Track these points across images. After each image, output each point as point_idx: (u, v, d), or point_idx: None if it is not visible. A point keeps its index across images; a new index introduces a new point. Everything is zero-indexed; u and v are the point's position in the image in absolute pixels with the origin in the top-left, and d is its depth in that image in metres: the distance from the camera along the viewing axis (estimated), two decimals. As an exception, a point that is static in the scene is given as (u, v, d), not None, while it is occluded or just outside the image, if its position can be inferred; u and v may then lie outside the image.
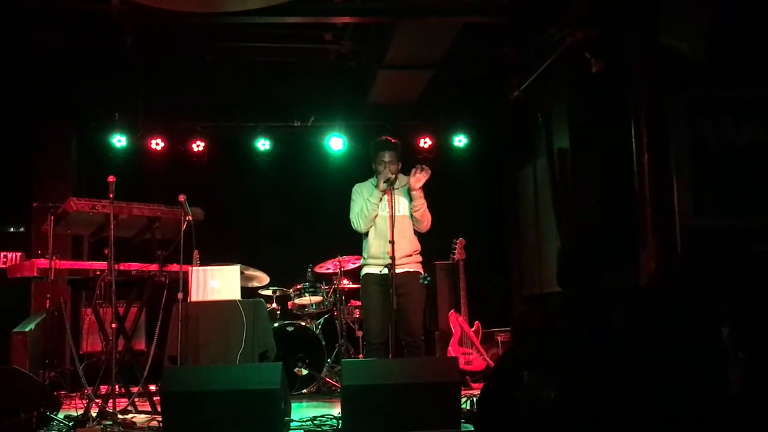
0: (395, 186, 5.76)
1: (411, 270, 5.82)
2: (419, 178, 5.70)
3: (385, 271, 5.62)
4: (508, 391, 2.50)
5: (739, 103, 6.58)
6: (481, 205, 9.52)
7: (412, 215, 5.81)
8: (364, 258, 5.99)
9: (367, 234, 5.91)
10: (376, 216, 5.81)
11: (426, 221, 5.85)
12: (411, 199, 5.77)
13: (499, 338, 7.84)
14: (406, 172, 5.85)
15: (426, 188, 5.84)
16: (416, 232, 5.90)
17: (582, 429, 2.38)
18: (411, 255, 5.84)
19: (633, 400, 2.40)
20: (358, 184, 6.03)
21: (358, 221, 5.85)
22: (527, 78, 7.84)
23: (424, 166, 5.75)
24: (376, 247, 5.84)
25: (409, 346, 5.76)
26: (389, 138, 6.04)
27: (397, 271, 5.67)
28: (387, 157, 5.84)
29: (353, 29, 8.02)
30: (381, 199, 5.76)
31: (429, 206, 5.87)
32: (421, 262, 5.94)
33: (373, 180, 5.96)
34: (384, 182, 5.72)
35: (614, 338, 2.51)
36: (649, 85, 6.12)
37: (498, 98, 8.84)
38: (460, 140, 9.52)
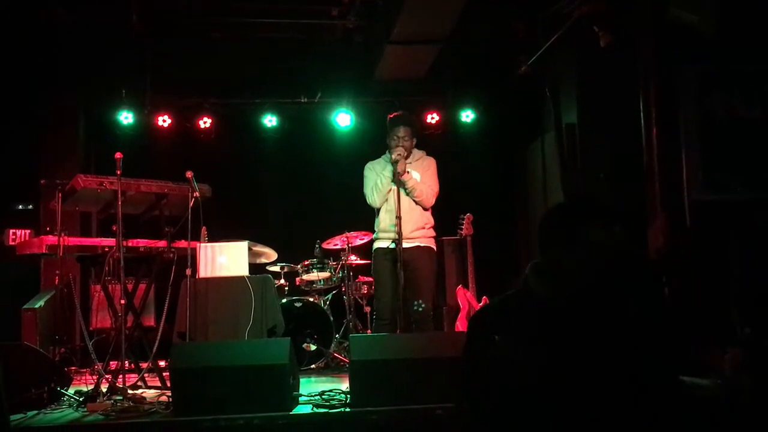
0: (407, 161, 5.78)
1: (422, 245, 5.84)
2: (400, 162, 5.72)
3: (393, 245, 5.64)
4: (483, 351, 2.47)
5: (749, 76, 6.52)
6: (488, 180, 9.47)
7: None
8: (375, 232, 6.05)
9: (379, 209, 5.95)
10: (389, 190, 5.82)
11: (423, 198, 5.84)
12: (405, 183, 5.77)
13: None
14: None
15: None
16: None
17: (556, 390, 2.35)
18: (423, 228, 5.85)
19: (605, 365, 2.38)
20: (370, 161, 6.04)
21: (372, 195, 5.88)
22: (535, 52, 7.76)
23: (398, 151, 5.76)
24: (385, 221, 5.88)
25: (417, 321, 5.77)
26: (406, 114, 6.04)
27: (408, 245, 5.70)
28: (401, 132, 5.86)
29: (360, 4, 7.96)
30: (395, 174, 5.75)
31: (438, 181, 5.89)
32: (434, 237, 5.95)
33: (385, 156, 5.98)
34: (398, 156, 5.71)
35: (586, 301, 2.46)
36: (658, 59, 6.06)
37: (506, 73, 8.76)
38: (467, 115, 9.46)
